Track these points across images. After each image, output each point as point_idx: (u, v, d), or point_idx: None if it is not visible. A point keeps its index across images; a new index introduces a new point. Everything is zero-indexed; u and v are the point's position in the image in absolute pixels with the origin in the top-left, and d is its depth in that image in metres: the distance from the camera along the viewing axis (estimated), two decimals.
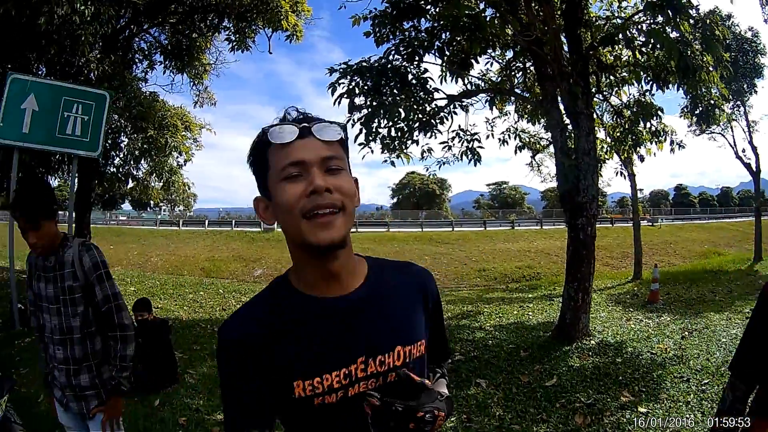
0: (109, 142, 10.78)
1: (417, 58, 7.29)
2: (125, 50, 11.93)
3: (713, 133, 18.83)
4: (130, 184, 12.60)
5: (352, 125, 7.34)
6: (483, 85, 9.09)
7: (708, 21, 7.29)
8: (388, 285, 1.17)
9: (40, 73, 9.88)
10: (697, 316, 8.52)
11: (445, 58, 7.64)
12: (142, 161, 11.51)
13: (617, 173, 11.99)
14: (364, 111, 7.25)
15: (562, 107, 7.22)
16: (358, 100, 7.22)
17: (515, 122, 10.30)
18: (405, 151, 8.20)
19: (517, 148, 10.13)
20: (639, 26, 7.24)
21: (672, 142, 9.21)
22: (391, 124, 7.49)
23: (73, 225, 8.24)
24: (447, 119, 8.12)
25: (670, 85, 7.58)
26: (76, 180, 8.49)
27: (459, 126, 9.16)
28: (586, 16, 7.80)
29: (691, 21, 6.93)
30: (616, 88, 9.11)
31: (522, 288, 15.99)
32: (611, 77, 8.80)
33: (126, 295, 10.85)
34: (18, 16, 7.92)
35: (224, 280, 18.07)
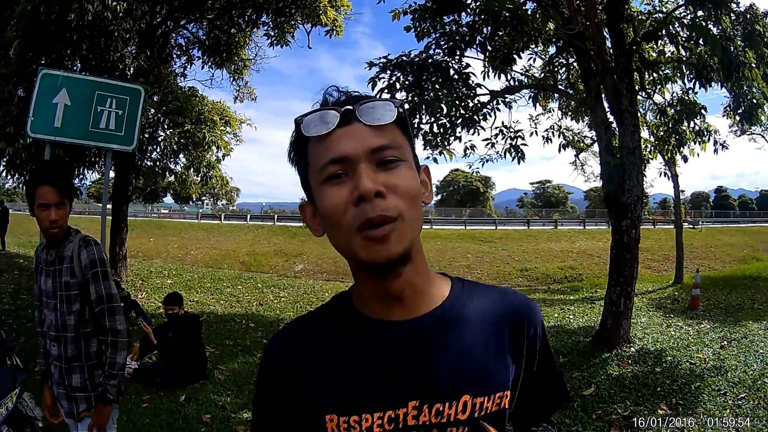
0: (146, 136, 10.83)
1: (458, 53, 7.16)
2: (162, 46, 11.99)
3: (753, 133, 18.30)
4: (168, 178, 12.68)
5: None
6: (526, 81, 8.93)
7: (748, 16, 7.00)
8: (470, 314, 0.91)
9: (75, 68, 9.90)
10: (736, 325, 8.28)
11: (487, 53, 7.49)
12: (180, 156, 11.57)
13: (661, 174, 11.69)
14: (406, 106, 7.08)
15: (606, 105, 7.01)
16: (399, 96, 7.12)
17: (559, 119, 10.16)
18: (447, 147, 8.09)
19: (561, 146, 9.98)
20: (681, 21, 7.00)
21: (715, 143, 8.94)
22: (433, 119, 7.37)
23: (108, 217, 8.31)
24: (490, 115, 8.01)
25: (713, 83, 7.34)
26: (111, 173, 8.55)
27: (502, 123, 8.95)
28: (628, 10, 7.55)
29: (732, 16, 6.71)
30: (660, 86, 8.87)
31: (564, 289, 15.75)
32: (654, 74, 8.54)
33: (163, 287, 11.23)
34: (47, 12, 7.95)
35: (264, 274, 18.14)
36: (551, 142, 9.67)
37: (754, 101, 8.36)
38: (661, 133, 9.17)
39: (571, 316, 9.75)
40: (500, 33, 7.19)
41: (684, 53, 7.46)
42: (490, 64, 7.59)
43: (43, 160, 7.03)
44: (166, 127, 11.24)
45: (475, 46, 7.23)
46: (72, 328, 2.43)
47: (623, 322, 6.83)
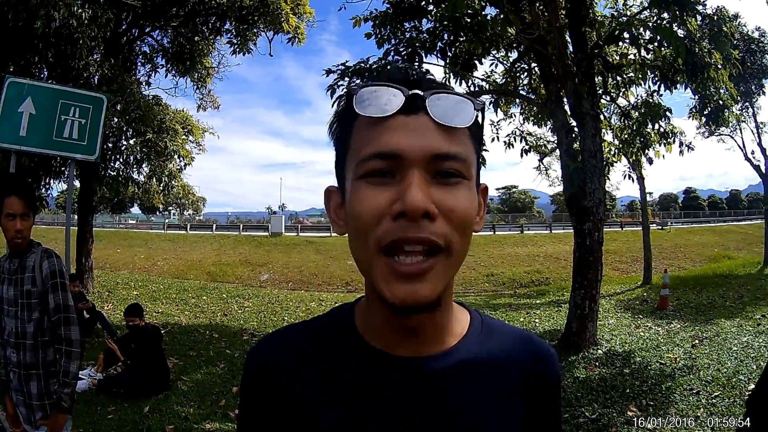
0: (110, 145, 10.75)
1: (418, 59, 7.15)
2: (127, 54, 11.94)
3: (722, 134, 18.69)
4: (132, 188, 12.55)
5: None
6: (487, 86, 8.97)
7: (715, 18, 7.13)
8: (486, 359, 0.76)
9: (42, 76, 9.86)
10: (707, 323, 8.38)
11: (448, 59, 7.50)
12: (144, 165, 11.45)
13: (625, 176, 11.82)
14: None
15: (567, 108, 7.06)
16: None
17: (521, 125, 10.22)
18: None
19: (523, 151, 10.05)
20: (645, 24, 7.08)
21: (681, 144, 9.08)
22: None
23: (72, 228, 8.16)
24: None
25: (678, 85, 7.44)
26: (74, 183, 8.41)
27: None
28: (591, 14, 7.63)
29: (698, 18, 6.81)
30: (624, 89, 8.99)
31: (530, 293, 15.89)
32: (618, 77, 8.65)
33: (129, 299, 11.08)
34: (15, 20, 7.92)
35: (230, 284, 18.05)
36: (513, 147, 9.79)
37: (720, 102, 8.51)
38: (626, 136, 9.26)
39: (537, 320, 9.81)
40: (461, 39, 7.21)
41: (647, 56, 7.54)
42: (451, 71, 7.61)
43: (8, 170, 6.91)
44: (129, 136, 11.16)
45: (435, 53, 7.25)
46: (31, 336, 2.50)
47: (589, 324, 6.86)
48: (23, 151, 7.22)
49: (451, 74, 7.67)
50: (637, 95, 9.14)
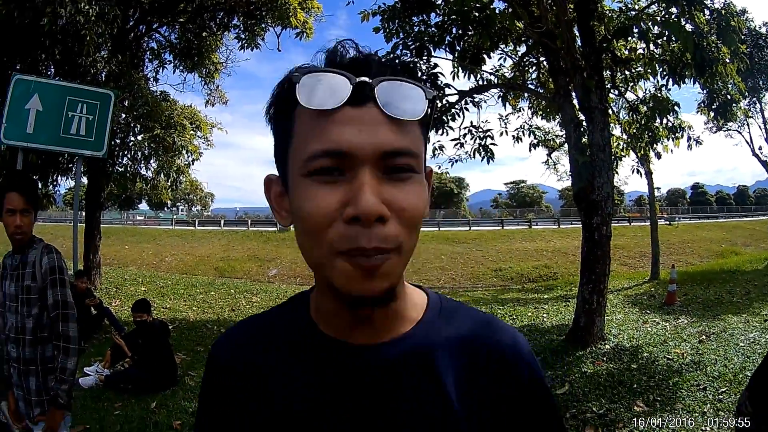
0: (117, 141, 10.75)
1: (426, 53, 7.13)
2: (134, 50, 11.91)
3: (730, 130, 18.60)
4: (140, 183, 12.57)
5: None
6: (495, 80, 8.94)
7: (723, 12, 7.07)
8: (445, 344, 0.73)
9: (48, 73, 9.86)
10: (714, 319, 8.34)
11: (456, 53, 7.47)
12: (151, 161, 11.52)
13: (633, 171, 11.76)
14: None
15: (576, 102, 7.04)
16: None
17: (529, 119, 10.21)
18: None
19: (532, 145, 10.01)
20: (653, 18, 7.04)
21: (689, 138, 9.04)
22: None
23: (80, 224, 8.19)
24: (459, 116, 8.01)
25: (687, 80, 7.40)
26: (81, 179, 8.44)
27: (471, 123, 8.98)
28: (599, 8, 7.60)
29: (706, 12, 6.77)
30: (632, 84, 8.95)
31: (538, 288, 15.79)
32: (626, 72, 8.61)
33: (137, 295, 11.14)
34: (21, 17, 7.93)
35: (238, 280, 18.04)
36: (521, 141, 9.75)
37: (729, 97, 8.46)
38: (634, 131, 9.22)
39: (545, 315, 9.77)
40: (469, 33, 7.18)
41: (656, 50, 7.50)
42: (459, 64, 7.59)
43: (15, 167, 6.95)
44: (136, 132, 11.21)
45: (444, 47, 7.22)
46: (29, 331, 2.52)
47: (596, 319, 6.84)
48: (31, 148, 7.26)
49: (460, 68, 7.66)
50: (646, 90, 9.10)
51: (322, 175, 0.60)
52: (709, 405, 4.77)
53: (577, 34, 7.21)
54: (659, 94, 8.53)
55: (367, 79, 0.60)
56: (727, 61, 7.10)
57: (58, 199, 17.35)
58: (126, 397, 5.54)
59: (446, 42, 7.15)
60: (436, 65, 7.30)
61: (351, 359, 0.70)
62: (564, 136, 9.51)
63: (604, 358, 6.37)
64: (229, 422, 0.75)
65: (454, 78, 7.65)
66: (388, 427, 0.68)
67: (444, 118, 7.71)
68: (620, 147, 10.11)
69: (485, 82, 8.38)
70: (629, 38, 7.70)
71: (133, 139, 11.23)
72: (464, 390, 0.70)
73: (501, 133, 9.86)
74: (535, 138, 10.01)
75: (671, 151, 9.26)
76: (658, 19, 6.94)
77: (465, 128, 8.30)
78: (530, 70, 9.30)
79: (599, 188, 6.69)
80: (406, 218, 0.60)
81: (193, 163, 12.58)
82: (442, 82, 7.34)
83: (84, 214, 11.94)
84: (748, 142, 18.25)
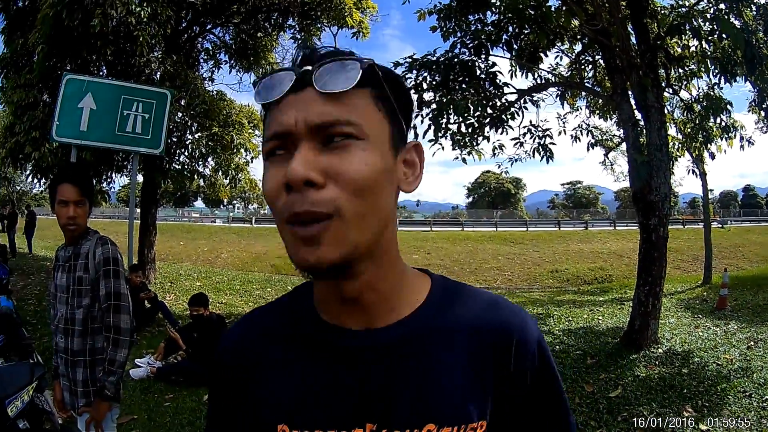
0: (174, 139, 10.94)
1: (484, 52, 7.12)
2: (188, 50, 12.08)
3: None
4: (197, 181, 12.78)
5: (421, 121, 7.23)
6: (553, 79, 8.88)
7: None
8: (448, 327, 0.74)
9: (101, 73, 10.03)
10: (763, 325, 8.12)
11: (513, 51, 7.46)
12: (209, 159, 11.68)
13: (689, 171, 11.46)
14: (433, 106, 7.11)
15: (632, 101, 6.93)
16: (427, 96, 7.13)
17: (587, 118, 10.10)
18: (476, 147, 8.01)
19: (590, 145, 9.87)
20: (704, 15, 6.89)
21: (741, 138, 8.78)
22: (461, 119, 7.29)
23: (136, 221, 8.42)
24: (518, 115, 7.96)
25: (737, 78, 7.19)
26: (139, 177, 8.66)
27: (530, 122, 8.91)
28: (651, 5, 7.47)
29: (753, 8, 6.60)
30: (686, 82, 8.73)
31: (593, 290, 15.51)
32: (680, 70, 8.42)
33: (192, 289, 11.36)
34: (69, 19, 8.05)
35: (295, 277, 17.93)
36: (579, 140, 9.63)
37: None
38: (689, 130, 9.01)
39: (600, 317, 9.62)
40: (525, 31, 7.14)
41: (708, 47, 7.33)
42: (517, 63, 7.56)
43: (68, 162, 7.17)
44: (194, 130, 11.40)
45: (501, 45, 7.20)
46: (80, 322, 2.49)
47: (651, 322, 6.71)
48: (84, 146, 7.46)
49: (518, 67, 7.63)
50: (699, 88, 8.89)
51: (273, 156, 0.66)
52: (753, 412, 4.70)
53: (632, 31, 7.10)
54: (712, 93, 8.34)
55: (308, 67, 0.65)
56: None
57: (111, 195, 17.79)
58: (177, 390, 5.65)
59: (503, 40, 7.14)
60: (494, 64, 7.30)
61: (347, 344, 0.72)
62: (621, 135, 9.36)
63: (657, 362, 6.27)
64: (234, 418, 0.80)
65: (512, 77, 7.63)
66: (382, 413, 0.70)
67: (503, 117, 7.67)
68: (675, 147, 9.89)
69: (543, 81, 8.32)
70: (682, 35, 7.54)
71: (190, 137, 11.41)
72: (468, 373, 0.72)
73: (559, 133, 9.79)
74: (593, 137, 9.87)
75: (724, 151, 9.03)
76: (708, 15, 6.79)
77: (524, 127, 8.26)
78: (587, 69, 9.19)
79: (657, 189, 6.57)
80: (345, 182, 0.62)
81: (252, 161, 12.72)
82: (500, 81, 7.33)
83: (139, 210, 12.16)
84: None
